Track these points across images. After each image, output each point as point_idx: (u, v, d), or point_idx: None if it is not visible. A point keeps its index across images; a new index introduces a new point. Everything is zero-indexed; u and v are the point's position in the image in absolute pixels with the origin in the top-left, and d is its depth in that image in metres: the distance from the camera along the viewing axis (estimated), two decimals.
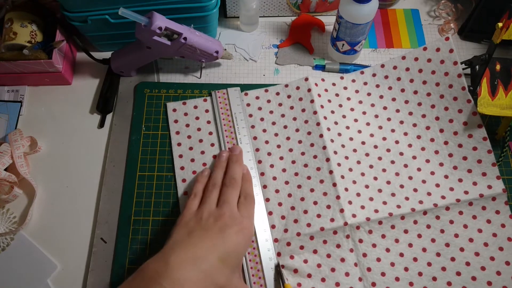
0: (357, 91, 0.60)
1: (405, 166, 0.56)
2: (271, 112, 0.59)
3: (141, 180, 0.57)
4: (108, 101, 0.62)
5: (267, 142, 0.57)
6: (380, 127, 0.58)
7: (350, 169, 0.55)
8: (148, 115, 0.60)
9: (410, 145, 0.57)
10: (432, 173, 0.55)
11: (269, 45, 0.67)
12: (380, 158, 0.56)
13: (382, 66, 0.60)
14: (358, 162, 0.56)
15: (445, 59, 0.56)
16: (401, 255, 0.51)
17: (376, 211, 0.53)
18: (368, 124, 0.59)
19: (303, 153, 0.56)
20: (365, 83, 0.61)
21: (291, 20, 0.69)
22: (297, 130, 0.58)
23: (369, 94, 0.60)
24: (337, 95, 0.60)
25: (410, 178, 0.55)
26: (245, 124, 0.58)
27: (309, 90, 0.59)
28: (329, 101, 0.60)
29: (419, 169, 0.55)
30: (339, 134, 0.57)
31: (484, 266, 0.51)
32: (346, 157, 0.56)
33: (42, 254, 0.53)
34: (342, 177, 0.54)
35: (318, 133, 0.56)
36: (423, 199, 0.53)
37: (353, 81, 0.61)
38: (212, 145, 0.58)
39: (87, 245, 0.54)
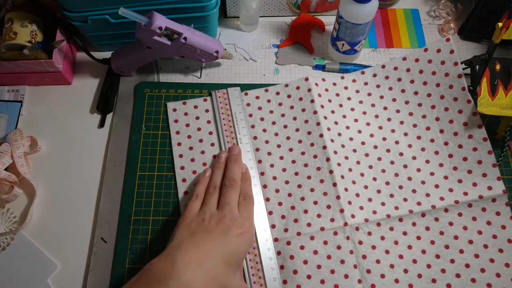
0: (357, 91, 0.60)
1: (405, 166, 0.56)
2: (271, 111, 0.59)
3: (141, 180, 0.57)
4: (108, 101, 0.62)
5: (267, 141, 0.58)
6: (380, 127, 0.58)
7: (350, 169, 0.56)
8: (148, 115, 0.60)
9: (410, 146, 0.57)
10: (432, 174, 0.55)
11: (269, 45, 0.67)
12: (379, 159, 0.56)
13: (383, 66, 0.60)
14: (358, 163, 0.56)
15: (446, 60, 0.56)
16: (401, 257, 0.51)
17: (374, 212, 0.53)
18: (368, 124, 0.59)
19: (303, 153, 0.56)
20: (366, 83, 0.61)
21: (291, 20, 0.69)
22: (297, 130, 0.58)
23: (369, 94, 0.60)
24: (337, 94, 0.60)
25: (410, 179, 0.55)
26: (245, 124, 0.58)
27: (309, 90, 0.59)
28: (330, 100, 0.60)
29: (418, 170, 0.55)
30: (339, 134, 0.57)
31: (484, 268, 0.50)
32: (346, 157, 0.56)
33: (42, 254, 0.53)
34: (342, 177, 0.54)
35: (318, 132, 0.56)
36: (421, 200, 0.53)
37: (354, 81, 0.61)
38: (212, 144, 0.58)
39: (87, 244, 0.54)
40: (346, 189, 0.54)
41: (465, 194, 0.53)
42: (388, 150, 0.57)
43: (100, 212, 0.55)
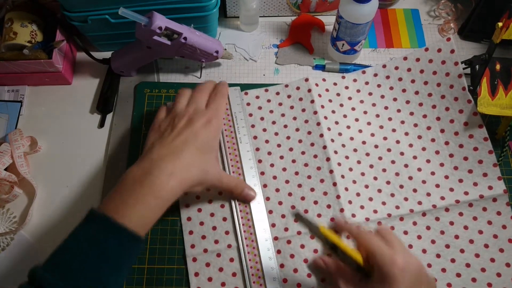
0: (358, 91, 0.60)
1: (406, 166, 0.56)
2: (271, 111, 0.59)
3: None
4: (108, 101, 0.62)
5: (267, 141, 0.57)
6: (381, 127, 0.58)
7: (350, 169, 0.56)
8: (148, 115, 0.60)
9: (411, 145, 0.57)
10: (433, 173, 0.55)
11: (269, 45, 0.67)
12: (380, 158, 0.56)
13: (384, 66, 0.60)
14: (359, 162, 0.56)
15: (447, 60, 0.56)
16: None
17: (375, 211, 0.53)
18: (369, 123, 0.59)
19: (303, 152, 0.56)
20: (367, 83, 0.61)
21: (291, 20, 0.69)
22: (297, 130, 0.58)
23: (370, 94, 0.60)
24: (338, 94, 0.60)
25: (410, 178, 0.55)
26: (245, 124, 0.58)
27: (309, 90, 0.59)
28: (330, 100, 0.60)
29: (419, 169, 0.55)
30: (340, 134, 0.57)
31: (484, 267, 0.50)
32: (347, 157, 0.56)
33: (42, 254, 0.53)
34: (343, 176, 0.54)
35: (318, 132, 0.56)
36: (422, 200, 0.53)
37: (355, 80, 0.61)
38: None
39: None
40: (346, 189, 0.54)
41: (465, 194, 0.53)
42: (389, 150, 0.57)
43: None
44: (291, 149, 0.57)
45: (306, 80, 0.60)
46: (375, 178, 0.55)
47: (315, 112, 0.58)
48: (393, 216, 0.52)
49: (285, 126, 0.58)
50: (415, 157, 0.56)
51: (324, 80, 0.61)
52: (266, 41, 0.67)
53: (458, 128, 0.56)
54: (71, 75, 0.64)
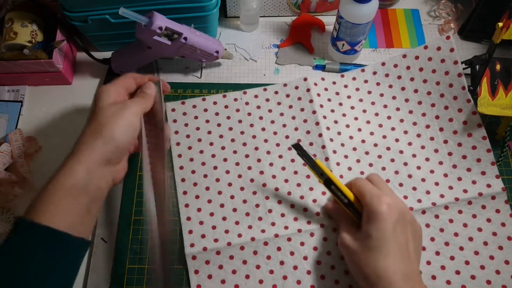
0: (357, 89, 0.60)
1: (405, 164, 0.56)
2: (269, 110, 0.59)
3: (141, 180, 0.56)
4: None
5: (266, 140, 0.58)
6: (380, 125, 0.58)
7: (350, 168, 0.56)
8: None
9: (410, 143, 0.57)
10: (432, 171, 0.55)
11: (269, 45, 0.67)
12: (380, 156, 0.56)
13: (383, 64, 0.60)
14: (358, 161, 0.56)
15: (446, 58, 0.57)
16: None
17: None
18: (368, 122, 0.59)
19: None
20: (366, 81, 0.61)
21: (291, 20, 0.69)
22: (296, 129, 0.58)
23: (369, 92, 0.60)
24: (337, 93, 0.60)
25: (410, 176, 0.55)
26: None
27: (308, 89, 0.59)
28: (329, 99, 0.60)
29: (418, 168, 0.55)
30: (339, 133, 0.57)
31: (483, 265, 0.51)
32: (346, 156, 0.56)
33: None
34: (341, 176, 0.55)
35: (317, 132, 0.57)
36: (421, 197, 0.53)
37: (354, 79, 0.61)
38: (211, 144, 0.58)
39: None
40: None
41: (464, 192, 0.53)
42: (388, 148, 0.57)
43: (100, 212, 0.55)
44: (290, 149, 0.57)
45: (305, 79, 0.60)
46: None
47: (314, 112, 0.58)
48: None
49: (284, 125, 0.58)
50: (414, 156, 0.56)
51: (323, 79, 0.61)
52: (266, 41, 0.67)
53: (457, 127, 0.56)
54: (71, 75, 0.64)
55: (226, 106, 0.60)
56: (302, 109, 0.58)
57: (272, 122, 0.59)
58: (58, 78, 0.62)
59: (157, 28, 0.52)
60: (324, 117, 0.58)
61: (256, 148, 0.57)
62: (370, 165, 0.56)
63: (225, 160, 0.57)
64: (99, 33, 0.61)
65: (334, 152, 0.56)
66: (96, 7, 0.56)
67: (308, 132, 0.57)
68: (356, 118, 0.59)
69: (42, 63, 0.58)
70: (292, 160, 0.56)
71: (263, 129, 0.58)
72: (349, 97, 0.60)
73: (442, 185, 0.54)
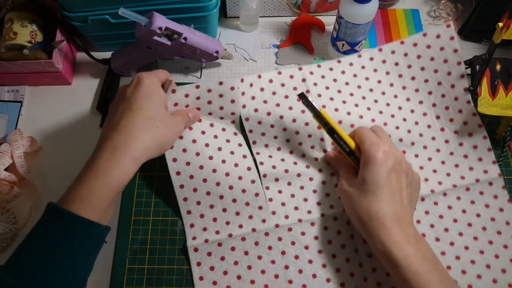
0: (355, 75, 0.59)
1: (404, 152, 0.56)
2: (265, 101, 0.56)
3: (141, 180, 0.57)
4: (108, 101, 0.62)
5: (263, 134, 0.56)
6: (381, 112, 0.58)
7: None
8: None
9: (409, 131, 0.57)
10: (430, 159, 0.56)
11: (269, 45, 0.67)
12: None
13: (380, 50, 0.59)
14: None
15: (445, 46, 0.56)
16: None
17: None
18: (369, 109, 0.58)
19: (300, 143, 0.56)
20: (363, 67, 0.59)
21: (291, 20, 0.69)
22: (294, 121, 0.55)
23: (367, 79, 0.59)
24: (335, 80, 0.59)
25: None
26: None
27: (303, 80, 0.57)
28: (327, 87, 0.58)
29: (416, 156, 0.56)
30: (340, 122, 0.56)
31: (482, 250, 0.51)
32: None
33: None
34: None
35: (316, 124, 0.55)
36: (420, 185, 0.53)
37: (351, 64, 0.59)
38: (203, 133, 0.55)
39: None
40: None
41: (462, 178, 0.54)
42: (388, 136, 0.56)
43: None
44: (288, 141, 0.56)
45: (300, 69, 0.58)
46: None
47: None
48: None
49: (281, 117, 0.56)
50: (412, 144, 0.56)
51: (319, 66, 0.59)
52: (266, 41, 0.67)
53: (453, 115, 0.56)
54: (71, 75, 0.64)
55: (220, 95, 0.56)
56: (299, 99, 0.56)
57: (269, 114, 0.56)
58: (58, 78, 0.62)
59: (157, 28, 0.52)
60: (324, 106, 0.56)
61: (254, 142, 0.56)
62: None
63: (219, 149, 0.54)
64: (99, 33, 0.61)
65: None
66: (96, 7, 0.56)
67: (306, 124, 0.55)
68: (356, 105, 0.58)
69: (42, 63, 0.58)
70: (291, 152, 0.56)
71: (260, 123, 0.56)
72: (347, 83, 0.59)
73: (440, 172, 0.55)
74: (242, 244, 0.51)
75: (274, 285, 0.50)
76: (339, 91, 0.58)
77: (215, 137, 0.55)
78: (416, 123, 0.57)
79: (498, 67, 0.56)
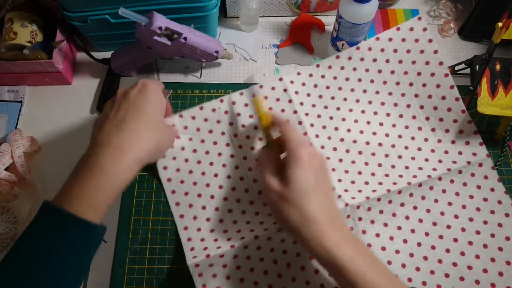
0: (335, 78, 0.59)
1: (393, 146, 0.56)
2: (250, 116, 0.57)
3: (141, 180, 0.57)
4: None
5: (252, 148, 0.57)
6: (363, 112, 0.58)
7: (340, 160, 0.56)
8: None
9: (394, 125, 0.57)
10: (419, 149, 0.56)
11: (269, 45, 0.67)
12: (367, 143, 0.57)
13: (357, 48, 0.59)
14: (347, 151, 0.56)
15: (420, 38, 0.57)
16: (399, 228, 0.52)
17: (374, 191, 0.53)
18: (350, 110, 0.58)
19: None
20: (342, 68, 0.59)
21: (291, 20, 0.69)
22: None
23: (347, 79, 0.59)
24: (315, 86, 0.59)
25: (400, 157, 0.56)
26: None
27: (285, 90, 0.58)
28: (308, 94, 0.59)
29: (406, 147, 0.56)
30: (324, 127, 0.57)
31: (478, 230, 0.52)
32: (334, 149, 0.57)
33: None
34: (334, 169, 0.55)
35: (301, 131, 0.56)
36: (416, 173, 0.54)
37: (330, 67, 0.60)
38: (199, 162, 0.57)
39: None
40: (340, 180, 0.54)
41: (454, 163, 0.55)
42: (374, 133, 0.57)
43: None
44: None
45: (280, 79, 0.58)
46: (366, 163, 0.56)
47: (295, 112, 0.57)
48: (392, 191, 0.53)
49: None
50: (400, 136, 0.57)
51: (299, 73, 0.59)
52: (266, 41, 0.67)
53: (436, 103, 0.57)
54: (71, 75, 0.64)
55: (205, 120, 0.58)
56: (282, 110, 0.57)
57: (255, 128, 0.57)
58: (58, 78, 0.62)
59: (157, 28, 0.52)
60: (306, 114, 0.57)
61: (245, 158, 0.56)
62: (360, 152, 0.56)
63: (215, 175, 0.56)
64: (99, 33, 0.61)
65: (322, 147, 0.56)
66: (96, 7, 0.56)
67: None
68: (338, 108, 0.58)
69: (42, 63, 0.58)
70: None
71: (248, 137, 0.57)
72: (327, 87, 0.59)
73: (432, 160, 0.55)
74: (244, 251, 0.51)
75: None
76: (320, 96, 0.59)
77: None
78: (401, 116, 0.58)
79: (497, 67, 0.56)
